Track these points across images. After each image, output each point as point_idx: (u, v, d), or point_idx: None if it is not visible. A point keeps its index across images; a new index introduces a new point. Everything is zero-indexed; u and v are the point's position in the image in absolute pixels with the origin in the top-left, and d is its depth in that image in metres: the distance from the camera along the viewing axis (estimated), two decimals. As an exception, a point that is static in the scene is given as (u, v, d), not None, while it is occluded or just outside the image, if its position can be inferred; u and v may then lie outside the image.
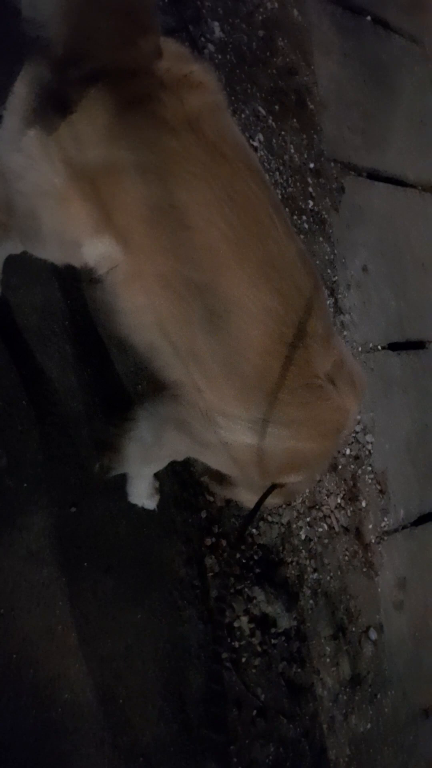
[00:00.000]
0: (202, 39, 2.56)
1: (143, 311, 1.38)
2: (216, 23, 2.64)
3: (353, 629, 2.51)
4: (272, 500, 1.61)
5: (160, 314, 1.36)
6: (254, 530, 2.23)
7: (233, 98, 2.62)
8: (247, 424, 1.42)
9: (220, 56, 2.61)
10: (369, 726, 2.46)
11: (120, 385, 2.03)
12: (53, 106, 1.24)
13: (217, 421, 1.45)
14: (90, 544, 1.86)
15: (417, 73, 3.78)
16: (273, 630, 2.20)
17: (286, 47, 2.92)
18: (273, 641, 2.20)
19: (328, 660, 2.37)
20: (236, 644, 2.10)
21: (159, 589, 1.98)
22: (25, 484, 1.78)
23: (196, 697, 1.95)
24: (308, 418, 1.42)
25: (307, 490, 2.48)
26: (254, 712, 2.09)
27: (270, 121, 2.77)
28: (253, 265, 1.31)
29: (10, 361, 1.82)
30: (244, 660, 2.11)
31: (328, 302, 2.84)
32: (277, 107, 2.81)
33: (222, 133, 1.30)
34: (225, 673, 2.04)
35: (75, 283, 1.98)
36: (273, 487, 1.55)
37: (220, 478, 1.76)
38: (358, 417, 2.69)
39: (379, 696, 2.54)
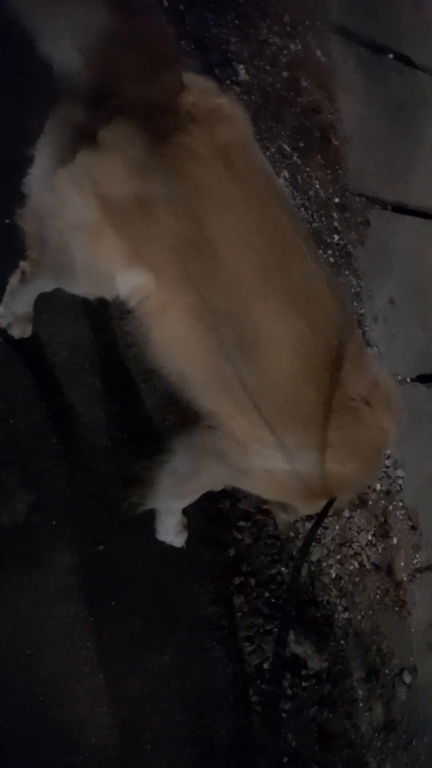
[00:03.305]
0: (228, 81, 2.62)
1: (174, 341, 1.40)
2: (241, 66, 2.71)
3: (386, 671, 2.43)
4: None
5: (191, 344, 1.37)
6: (283, 569, 2.19)
7: (258, 137, 2.66)
8: (284, 449, 1.42)
9: (245, 97, 2.66)
10: (404, 775, 2.37)
11: (148, 421, 2.04)
12: (83, 144, 1.27)
13: (255, 448, 1.45)
14: (117, 582, 1.85)
15: (440, 108, 3.80)
16: (303, 672, 2.14)
17: (310, 86, 2.97)
18: (303, 684, 2.14)
19: (360, 704, 2.29)
20: (265, 687, 2.05)
21: (186, 629, 1.94)
22: (53, 521, 1.78)
23: (224, 742, 1.90)
24: (346, 441, 1.42)
25: (337, 527, 2.44)
26: (285, 759, 2.02)
27: (295, 157, 2.81)
28: (281, 293, 1.32)
29: (39, 396, 1.84)
30: (273, 704, 2.05)
31: (355, 334, 2.82)
32: (302, 144, 2.85)
33: (252, 164, 1.33)
34: (254, 717, 1.98)
35: (105, 320, 2.00)
36: (332, 501, 1.54)
37: (284, 506, 1.74)
38: (388, 451, 2.65)
39: (414, 742, 2.44)
